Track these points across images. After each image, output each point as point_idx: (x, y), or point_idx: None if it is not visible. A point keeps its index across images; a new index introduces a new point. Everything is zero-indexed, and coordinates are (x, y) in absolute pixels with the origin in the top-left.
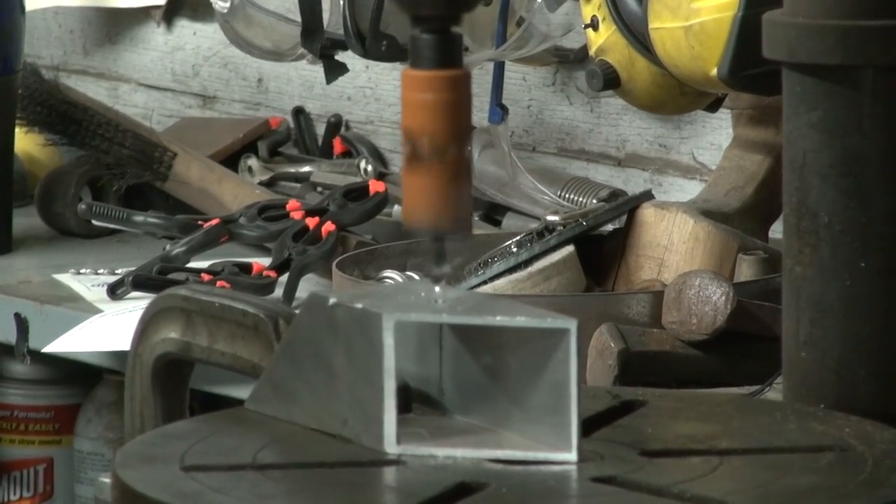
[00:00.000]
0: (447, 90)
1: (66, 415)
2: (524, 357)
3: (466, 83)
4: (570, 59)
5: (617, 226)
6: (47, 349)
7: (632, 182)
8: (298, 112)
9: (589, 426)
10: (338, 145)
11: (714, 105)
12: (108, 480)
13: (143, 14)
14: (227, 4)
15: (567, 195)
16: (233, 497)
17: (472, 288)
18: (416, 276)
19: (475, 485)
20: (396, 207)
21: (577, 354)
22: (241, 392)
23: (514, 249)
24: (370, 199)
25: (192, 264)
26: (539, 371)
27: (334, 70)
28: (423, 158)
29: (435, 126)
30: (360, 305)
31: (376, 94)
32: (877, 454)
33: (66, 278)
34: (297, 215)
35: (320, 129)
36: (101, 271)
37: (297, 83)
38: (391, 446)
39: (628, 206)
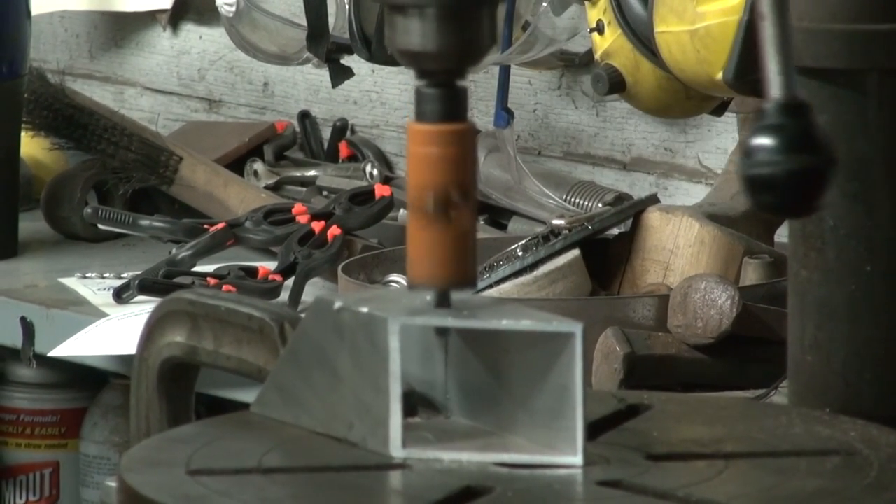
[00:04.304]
0: (452, 144)
1: (72, 419)
2: (529, 361)
3: (472, 137)
4: (575, 63)
5: (622, 230)
6: (53, 353)
7: (637, 186)
8: (304, 116)
9: (594, 430)
10: (343, 149)
11: (720, 109)
12: (114, 484)
13: (149, 18)
14: (233, 8)
15: (572, 199)
16: (238, 501)
17: (477, 292)
18: None
19: (481, 488)
20: (402, 211)
21: (583, 358)
22: (247, 396)
23: (520, 253)
24: (376, 202)
25: (198, 268)
26: (544, 375)
27: (340, 74)
28: (428, 212)
29: (440, 180)
30: (365, 309)
31: (382, 98)
32: (882, 458)
33: (72, 282)
34: (302, 219)
35: (326, 133)
36: (106, 275)
37: (303, 87)
38: (397, 450)
39: (634, 210)
